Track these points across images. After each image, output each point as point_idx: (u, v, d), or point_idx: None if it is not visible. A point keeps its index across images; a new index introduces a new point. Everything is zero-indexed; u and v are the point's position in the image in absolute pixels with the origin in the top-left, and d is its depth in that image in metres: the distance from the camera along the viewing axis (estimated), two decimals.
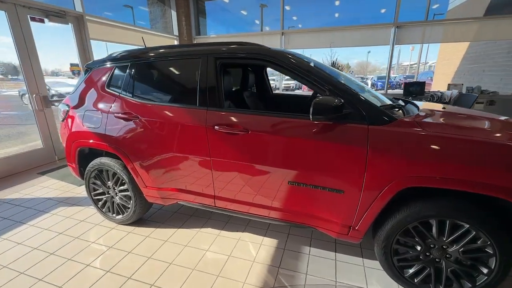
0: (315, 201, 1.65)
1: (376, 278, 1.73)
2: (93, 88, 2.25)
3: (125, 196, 2.30)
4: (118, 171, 2.18)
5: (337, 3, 7.05)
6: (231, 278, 1.74)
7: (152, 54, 2.05)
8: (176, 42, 6.92)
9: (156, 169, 2.04)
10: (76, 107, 2.29)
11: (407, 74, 27.77)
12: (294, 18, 7.10)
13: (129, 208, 2.30)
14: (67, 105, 2.35)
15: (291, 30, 6.26)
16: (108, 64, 2.22)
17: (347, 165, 1.48)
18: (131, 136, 2.04)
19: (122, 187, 2.26)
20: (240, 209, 1.93)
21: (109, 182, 2.31)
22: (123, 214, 2.36)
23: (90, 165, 2.29)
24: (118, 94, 2.12)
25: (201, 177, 1.93)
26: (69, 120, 2.32)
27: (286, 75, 1.77)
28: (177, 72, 2.06)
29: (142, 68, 2.11)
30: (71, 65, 4.58)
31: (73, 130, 2.28)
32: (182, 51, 1.97)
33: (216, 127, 1.76)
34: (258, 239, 2.15)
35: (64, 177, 3.52)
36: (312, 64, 1.67)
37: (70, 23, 4.22)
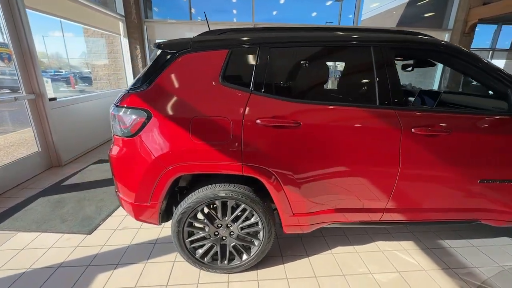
0: (499, 195, 1.69)
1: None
2: (193, 82, 1.46)
3: (248, 233, 1.66)
4: (246, 201, 1.53)
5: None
6: None
7: (297, 37, 1.52)
8: (122, 24, 5.41)
9: (317, 189, 1.56)
10: (165, 112, 1.43)
11: None
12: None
13: (254, 247, 1.68)
14: (144, 109, 1.44)
15: (265, 23, 6.02)
16: (218, 47, 1.49)
17: None
18: (287, 150, 1.47)
19: (247, 222, 1.62)
20: (411, 218, 1.74)
21: (224, 218, 1.60)
22: (241, 258, 1.69)
23: (193, 200, 1.51)
24: (248, 91, 1.46)
25: (375, 191, 1.61)
26: (154, 135, 1.43)
27: (460, 71, 1.69)
28: (339, 63, 1.62)
29: (283, 55, 1.54)
30: None
31: (166, 150, 1.42)
32: (345, 36, 1.55)
33: (413, 129, 1.50)
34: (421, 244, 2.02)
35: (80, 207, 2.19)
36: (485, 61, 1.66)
37: None
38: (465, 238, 2.12)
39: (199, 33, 1.62)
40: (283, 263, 1.82)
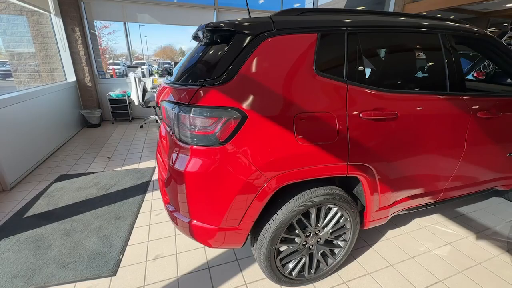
0: None
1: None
2: (285, 71, 1.20)
3: (336, 236, 1.53)
4: (340, 203, 1.40)
5: None
6: None
7: (383, 20, 1.41)
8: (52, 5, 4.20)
9: (403, 179, 1.54)
10: (261, 110, 1.14)
11: None
12: None
13: (340, 249, 1.57)
14: (236, 109, 1.10)
15: (227, 7, 5.61)
16: (306, 30, 1.25)
17: None
18: (384, 143, 1.37)
19: (337, 225, 1.48)
20: (458, 194, 1.91)
21: (317, 225, 1.43)
22: (327, 264, 1.56)
23: (289, 211, 1.28)
24: (344, 82, 1.29)
25: (445, 173, 1.69)
26: (251, 140, 1.12)
27: (492, 60, 1.89)
28: (417, 50, 1.56)
29: (372, 41, 1.41)
30: None
31: (269, 157, 1.14)
32: (418, 23, 1.51)
33: (478, 113, 1.61)
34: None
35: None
36: None
37: None
38: (465, 205, 2.49)
39: (276, 12, 1.34)
40: (355, 259, 1.78)
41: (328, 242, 1.55)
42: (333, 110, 1.24)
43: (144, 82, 4.82)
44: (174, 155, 1.24)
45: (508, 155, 1.89)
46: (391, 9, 7.13)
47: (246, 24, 1.20)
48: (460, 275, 1.65)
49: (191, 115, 1.12)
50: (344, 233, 1.55)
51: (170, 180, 1.29)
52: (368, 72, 1.40)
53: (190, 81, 1.25)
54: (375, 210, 1.54)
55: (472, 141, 1.66)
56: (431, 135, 1.50)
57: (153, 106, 4.95)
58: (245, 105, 1.12)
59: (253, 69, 1.16)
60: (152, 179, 2.89)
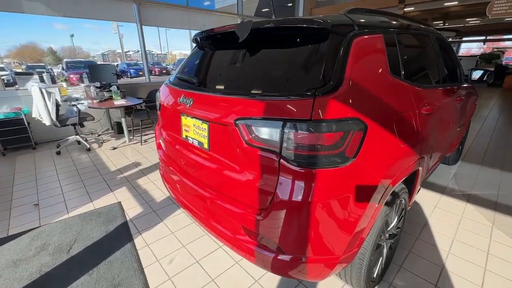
0: (459, 136, 2.64)
1: None
2: (373, 73, 1.14)
3: (397, 228, 1.61)
4: (404, 195, 1.48)
5: None
6: None
7: (412, 25, 1.56)
8: None
9: (432, 161, 1.78)
10: (375, 117, 1.03)
11: (154, 61, 28.86)
12: None
13: (395, 240, 1.66)
14: (357, 119, 0.95)
15: (150, 2, 4.86)
16: (378, 31, 1.23)
17: None
18: (429, 133, 1.53)
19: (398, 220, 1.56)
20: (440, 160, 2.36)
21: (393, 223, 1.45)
22: (392, 256, 1.63)
23: (384, 215, 1.25)
24: (406, 81, 1.35)
25: (443, 146, 2.06)
26: (373, 152, 1.01)
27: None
28: (430, 49, 1.78)
29: (410, 42, 1.53)
30: None
31: (389, 167, 1.07)
32: (430, 27, 1.76)
33: (457, 99, 2.04)
34: None
35: None
36: None
37: None
38: None
39: (347, 10, 1.23)
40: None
41: (391, 235, 1.61)
42: (411, 109, 1.28)
43: (54, 94, 3.61)
44: (284, 184, 0.98)
45: (458, 129, 2.48)
46: (300, 11, 7.96)
47: (339, 23, 1.07)
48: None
49: (315, 132, 0.91)
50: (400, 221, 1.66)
51: (276, 217, 1.02)
52: (412, 71, 1.52)
53: (283, 90, 1.01)
54: (416, 193, 1.71)
55: (454, 120, 2.09)
56: (443, 118, 1.80)
57: (73, 124, 3.79)
58: (362, 113, 1.01)
59: (355, 72, 1.05)
60: (128, 218, 2.23)
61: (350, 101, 0.99)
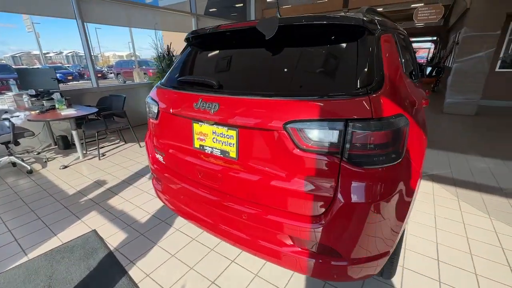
0: None
1: None
2: (398, 71, 1.19)
3: None
4: None
5: None
6: None
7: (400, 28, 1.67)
8: None
9: None
10: (409, 111, 1.10)
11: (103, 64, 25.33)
12: None
13: None
14: (403, 115, 0.97)
15: None
16: (389, 29, 1.29)
17: None
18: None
19: None
20: None
21: None
22: None
23: None
24: (408, 76, 1.46)
25: None
26: (413, 146, 1.04)
27: None
28: (409, 47, 1.93)
29: (400, 39, 1.62)
30: None
31: (423, 157, 1.12)
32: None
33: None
34: None
35: None
36: None
37: None
38: None
39: (366, 9, 1.24)
40: None
41: None
42: (419, 102, 1.39)
43: None
44: (348, 186, 0.93)
45: None
46: (252, 13, 8.03)
47: (369, 20, 1.08)
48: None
49: (379, 130, 0.89)
50: None
51: (339, 222, 0.97)
52: (407, 67, 1.64)
53: (329, 90, 0.97)
54: None
55: None
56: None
57: (5, 143, 3.06)
58: (404, 109, 1.04)
59: (389, 68, 1.08)
60: (111, 248, 1.89)
61: (393, 97, 1.01)
